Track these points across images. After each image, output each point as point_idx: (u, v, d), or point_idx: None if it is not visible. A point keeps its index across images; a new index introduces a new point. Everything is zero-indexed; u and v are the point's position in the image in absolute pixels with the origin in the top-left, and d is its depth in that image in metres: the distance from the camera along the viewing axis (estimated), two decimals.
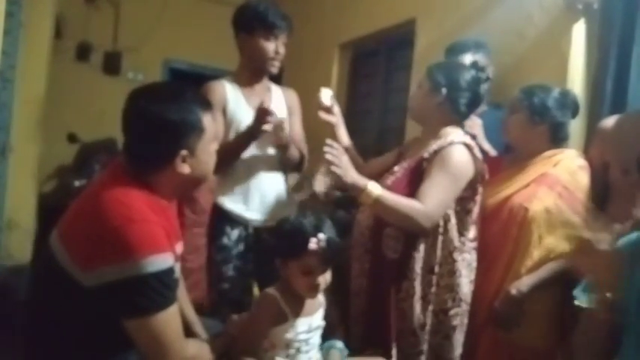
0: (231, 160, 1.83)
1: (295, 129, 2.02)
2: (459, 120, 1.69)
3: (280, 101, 2.00)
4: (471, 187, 1.59)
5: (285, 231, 1.38)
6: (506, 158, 1.88)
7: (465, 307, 1.63)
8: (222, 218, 1.90)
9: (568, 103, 1.75)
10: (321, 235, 1.33)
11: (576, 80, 1.99)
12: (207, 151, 1.19)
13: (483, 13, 2.38)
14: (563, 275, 1.61)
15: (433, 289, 1.58)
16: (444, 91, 1.63)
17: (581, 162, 1.73)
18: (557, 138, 1.76)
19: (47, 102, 3.63)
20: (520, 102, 1.75)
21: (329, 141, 1.53)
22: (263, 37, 1.84)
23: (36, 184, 3.71)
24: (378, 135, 3.37)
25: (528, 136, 1.75)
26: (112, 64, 4.71)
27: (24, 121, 3.32)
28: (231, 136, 1.86)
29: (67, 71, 4.44)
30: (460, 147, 1.58)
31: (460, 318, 1.63)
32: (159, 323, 1.03)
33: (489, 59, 2.10)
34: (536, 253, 1.63)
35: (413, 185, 1.60)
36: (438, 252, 1.59)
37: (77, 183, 3.83)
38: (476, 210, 1.65)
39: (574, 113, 1.79)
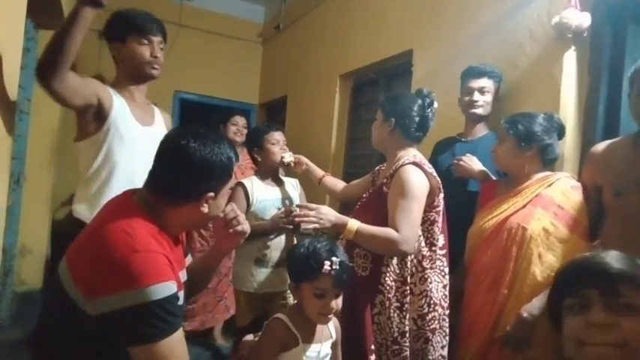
0: None
1: None
2: (411, 144, 1.82)
3: (161, 122, 1.97)
4: (429, 199, 1.70)
5: (300, 255, 1.44)
6: (502, 182, 1.93)
7: (440, 311, 1.73)
8: None
9: (553, 126, 1.81)
10: (335, 259, 1.38)
11: (569, 106, 2.03)
12: (225, 195, 1.27)
13: (476, 43, 2.46)
14: None
15: (408, 299, 1.68)
16: (392, 119, 1.79)
17: (574, 182, 1.78)
18: (546, 159, 1.82)
19: (61, 132, 3.75)
20: (506, 131, 1.82)
21: (293, 208, 1.82)
22: (137, 41, 1.79)
23: (49, 212, 3.79)
24: (378, 160, 3.42)
25: (519, 161, 1.81)
26: None
27: (39, 151, 3.44)
28: (101, 138, 1.71)
29: None
30: (409, 167, 1.68)
31: (437, 322, 1.73)
32: (164, 350, 1.05)
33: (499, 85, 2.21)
34: (537, 271, 1.67)
35: (376, 208, 1.73)
36: (409, 263, 1.70)
37: None
38: (440, 220, 1.76)
39: (560, 134, 1.85)
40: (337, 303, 1.41)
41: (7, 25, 1.57)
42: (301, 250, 1.44)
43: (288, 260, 1.55)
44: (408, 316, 1.68)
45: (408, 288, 1.69)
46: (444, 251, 1.77)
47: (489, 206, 1.87)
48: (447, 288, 1.78)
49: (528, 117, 1.82)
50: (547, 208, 1.71)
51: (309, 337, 1.43)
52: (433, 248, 1.73)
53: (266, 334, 1.44)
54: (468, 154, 2.08)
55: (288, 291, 2.33)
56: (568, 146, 2.00)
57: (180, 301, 1.18)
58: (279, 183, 2.41)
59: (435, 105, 1.82)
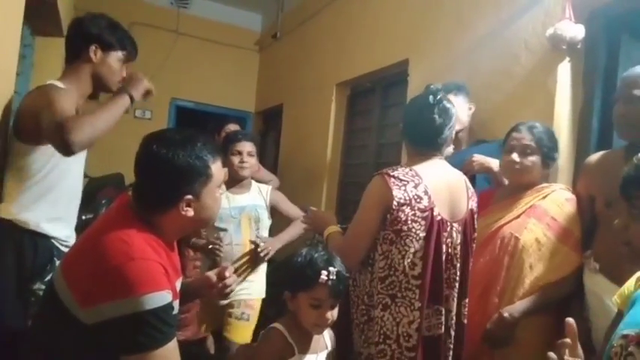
0: None
1: None
2: (423, 155, 1.59)
3: None
4: (384, 216, 1.49)
5: (297, 264, 1.43)
6: (498, 191, 1.94)
7: (394, 347, 1.47)
8: None
9: (555, 139, 1.84)
10: (332, 269, 1.37)
11: (563, 117, 2.05)
12: (213, 196, 1.22)
13: (472, 53, 2.47)
14: (554, 304, 1.68)
15: (365, 319, 1.55)
16: (401, 127, 1.68)
17: (569, 195, 1.79)
18: (546, 172, 1.85)
19: None
20: (536, 144, 1.77)
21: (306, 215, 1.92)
22: (118, 59, 1.76)
23: None
24: (374, 168, 3.45)
25: (539, 175, 1.82)
26: None
27: None
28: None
29: None
30: (374, 178, 1.54)
31: (389, 359, 1.47)
32: (157, 359, 1.05)
33: (469, 100, 2.22)
34: (527, 281, 1.69)
35: None
36: (367, 282, 1.55)
37: (84, 217, 3.88)
38: (413, 244, 1.48)
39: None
40: (333, 314, 1.41)
41: (3, 31, 1.57)
42: (298, 260, 1.43)
43: (286, 270, 1.53)
44: (366, 339, 1.54)
45: (365, 308, 1.55)
46: (418, 281, 1.48)
47: (484, 214, 1.86)
48: (419, 325, 1.47)
49: (548, 132, 1.83)
50: (540, 219, 1.73)
51: (304, 348, 1.43)
52: (396, 273, 1.48)
53: (263, 344, 1.43)
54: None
55: (236, 301, 2.29)
56: (562, 157, 2.01)
57: (175, 311, 1.17)
58: (244, 191, 2.41)
59: (444, 104, 1.58)
